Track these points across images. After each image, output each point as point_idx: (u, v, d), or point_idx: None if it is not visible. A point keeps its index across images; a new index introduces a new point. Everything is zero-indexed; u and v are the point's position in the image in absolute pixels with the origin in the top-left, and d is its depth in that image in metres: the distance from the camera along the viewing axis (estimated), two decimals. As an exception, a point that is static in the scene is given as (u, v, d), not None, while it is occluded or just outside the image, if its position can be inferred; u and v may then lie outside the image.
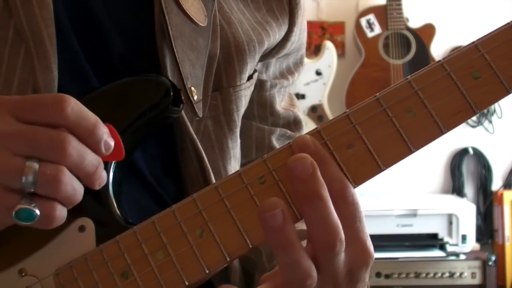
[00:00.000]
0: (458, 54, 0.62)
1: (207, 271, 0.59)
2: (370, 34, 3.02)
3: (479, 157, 3.15)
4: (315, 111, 2.98)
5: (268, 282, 0.60)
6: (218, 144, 0.79)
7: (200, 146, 0.75)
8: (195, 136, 0.75)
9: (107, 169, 0.63)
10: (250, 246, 0.59)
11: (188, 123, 0.74)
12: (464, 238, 2.79)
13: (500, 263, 2.90)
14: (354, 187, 0.59)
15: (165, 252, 0.60)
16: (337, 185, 0.58)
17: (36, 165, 0.54)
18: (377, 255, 2.74)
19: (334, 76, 3.01)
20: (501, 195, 3.05)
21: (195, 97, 0.70)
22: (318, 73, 2.99)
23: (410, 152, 0.60)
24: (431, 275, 2.73)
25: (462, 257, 2.78)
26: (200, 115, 0.71)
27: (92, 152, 0.57)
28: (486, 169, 3.15)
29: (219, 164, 0.78)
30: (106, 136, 0.57)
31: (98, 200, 0.63)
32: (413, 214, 2.81)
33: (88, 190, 0.58)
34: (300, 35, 0.86)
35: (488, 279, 2.74)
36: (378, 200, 2.86)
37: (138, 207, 0.72)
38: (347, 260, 0.58)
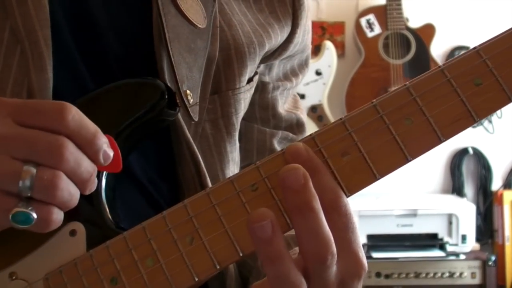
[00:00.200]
0: (459, 60, 0.59)
1: (196, 279, 0.58)
2: (370, 34, 3.02)
3: (479, 157, 3.15)
4: (315, 111, 2.98)
5: None
6: (216, 148, 0.78)
7: (196, 150, 0.74)
8: (191, 140, 0.74)
9: (100, 173, 0.62)
10: (241, 255, 0.58)
11: (185, 127, 0.74)
12: (464, 238, 2.79)
13: (500, 263, 2.91)
14: (348, 196, 0.58)
15: (155, 259, 0.59)
16: (330, 195, 0.57)
17: (33, 170, 0.54)
18: (377, 255, 2.75)
19: (334, 76, 3.01)
20: (501, 195, 3.05)
21: (191, 101, 0.69)
22: (318, 73, 2.99)
23: (407, 160, 0.58)
24: (431, 275, 2.73)
25: (462, 257, 2.78)
26: (196, 119, 0.71)
27: (88, 159, 0.57)
28: (486, 169, 3.15)
29: (217, 168, 0.78)
30: (106, 147, 0.57)
31: (90, 204, 0.63)
32: (413, 214, 2.81)
33: (80, 195, 0.57)
34: (304, 36, 0.85)
35: (488, 279, 2.74)
36: (378, 200, 2.86)
37: (133, 211, 0.71)
38: (339, 272, 0.57)
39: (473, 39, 2.99)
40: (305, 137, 0.60)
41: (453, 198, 3.06)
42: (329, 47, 3.01)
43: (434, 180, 3.20)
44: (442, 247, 2.81)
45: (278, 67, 0.87)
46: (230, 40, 0.76)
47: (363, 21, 3.02)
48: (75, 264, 0.60)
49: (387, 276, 2.73)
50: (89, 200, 0.63)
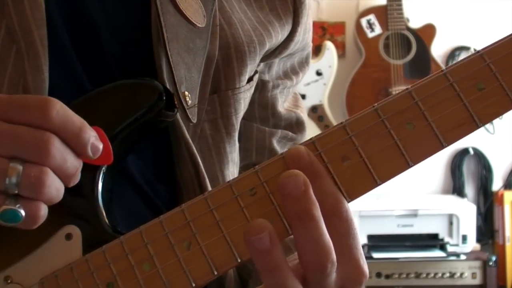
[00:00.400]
0: (462, 64, 0.58)
1: (194, 285, 0.58)
2: (370, 34, 3.01)
3: (480, 157, 3.15)
4: (315, 111, 2.98)
5: None
6: (215, 149, 0.77)
7: (195, 151, 0.73)
8: (190, 141, 0.73)
9: (96, 175, 0.62)
10: (239, 260, 0.57)
11: (184, 127, 0.73)
12: (464, 238, 2.79)
13: (501, 263, 2.91)
14: (349, 201, 0.57)
15: (152, 263, 0.58)
16: (330, 201, 0.56)
17: (20, 167, 0.53)
18: (378, 255, 2.75)
19: (334, 77, 3.00)
20: (502, 195, 3.05)
21: (189, 102, 0.69)
22: (319, 73, 2.99)
23: (408, 166, 0.57)
24: (432, 275, 2.73)
25: (463, 257, 2.78)
26: (194, 121, 0.70)
27: (74, 154, 0.56)
28: (486, 170, 3.15)
29: (216, 169, 0.77)
30: (94, 139, 0.56)
31: (86, 207, 0.62)
32: (414, 214, 2.81)
33: (76, 198, 0.57)
34: (305, 35, 0.85)
35: (488, 279, 2.74)
36: (379, 200, 2.86)
37: (130, 213, 0.70)
38: (339, 279, 0.57)
39: (474, 40, 3.00)
40: (305, 141, 0.59)
41: (453, 199, 3.07)
42: (330, 48, 3.01)
43: (435, 180, 3.19)
44: (442, 247, 2.81)
45: (278, 65, 0.86)
46: (230, 38, 0.75)
47: (363, 21, 3.02)
48: (71, 268, 0.60)
49: (387, 277, 2.73)
50: (85, 204, 0.62)
